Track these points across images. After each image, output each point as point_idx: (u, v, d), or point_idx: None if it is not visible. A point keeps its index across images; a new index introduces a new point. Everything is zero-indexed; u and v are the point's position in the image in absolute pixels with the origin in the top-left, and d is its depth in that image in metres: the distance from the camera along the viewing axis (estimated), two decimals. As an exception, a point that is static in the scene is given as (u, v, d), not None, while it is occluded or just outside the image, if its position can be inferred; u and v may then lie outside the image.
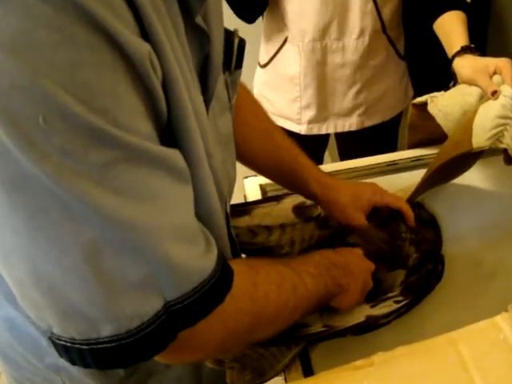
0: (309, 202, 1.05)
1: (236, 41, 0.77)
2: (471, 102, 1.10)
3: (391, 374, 0.55)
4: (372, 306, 0.90)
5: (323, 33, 1.44)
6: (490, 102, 1.03)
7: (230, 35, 0.76)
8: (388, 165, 1.32)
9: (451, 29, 1.29)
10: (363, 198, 1.00)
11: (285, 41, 1.52)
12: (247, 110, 0.95)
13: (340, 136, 1.76)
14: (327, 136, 1.74)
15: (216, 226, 0.67)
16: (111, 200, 0.47)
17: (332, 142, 1.91)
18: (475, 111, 1.03)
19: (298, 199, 1.07)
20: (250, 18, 1.47)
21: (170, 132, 0.54)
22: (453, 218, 1.13)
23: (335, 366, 0.85)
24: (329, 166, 1.34)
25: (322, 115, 1.59)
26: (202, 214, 0.61)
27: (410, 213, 1.02)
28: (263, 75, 1.66)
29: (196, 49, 0.61)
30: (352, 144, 1.77)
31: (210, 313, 0.57)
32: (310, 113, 1.58)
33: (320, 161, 1.88)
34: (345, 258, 0.86)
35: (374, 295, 0.92)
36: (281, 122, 1.64)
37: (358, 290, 0.85)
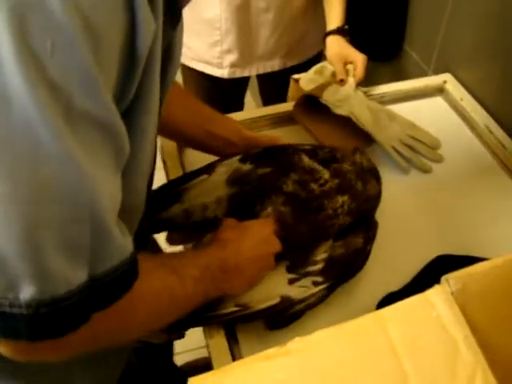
0: (244, 168, 0.92)
1: None
2: (327, 77, 1.26)
3: (310, 365, 0.45)
4: (290, 282, 0.81)
5: None
6: (335, 86, 1.21)
7: None
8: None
9: (333, 5, 1.32)
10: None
11: (201, -20, 1.35)
12: None
13: (262, 78, 1.63)
14: (248, 78, 1.61)
15: (137, 211, 0.68)
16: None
17: (255, 85, 1.79)
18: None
19: (230, 168, 0.92)
20: None
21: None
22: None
23: (258, 329, 0.81)
24: (244, 114, 1.26)
25: (244, 59, 1.45)
26: (134, 198, 0.62)
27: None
28: (177, 18, 1.47)
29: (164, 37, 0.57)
30: (274, 85, 1.64)
31: (121, 297, 0.54)
32: (232, 57, 1.44)
33: (241, 104, 1.76)
34: (237, 253, 0.79)
35: (295, 265, 0.83)
36: (201, 67, 1.49)
37: (244, 283, 0.80)
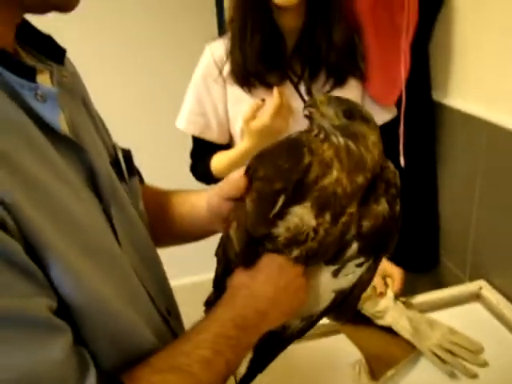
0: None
1: (119, 152, 0.79)
2: (367, 291, 1.22)
3: None
4: (335, 275, 0.75)
5: None
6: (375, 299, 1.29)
7: (113, 149, 0.79)
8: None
9: None
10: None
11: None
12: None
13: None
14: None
15: (141, 329, 0.65)
16: None
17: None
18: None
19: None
20: (207, 180, 1.50)
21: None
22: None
23: None
24: None
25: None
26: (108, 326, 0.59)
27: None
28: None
29: (76, 163, 0.63)
30: None
31: None
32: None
33: None
34: (254, 297, 0.70)
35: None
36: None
37: (279, 318, 0.73)
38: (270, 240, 0.70)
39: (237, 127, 1.40)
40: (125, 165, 0.81)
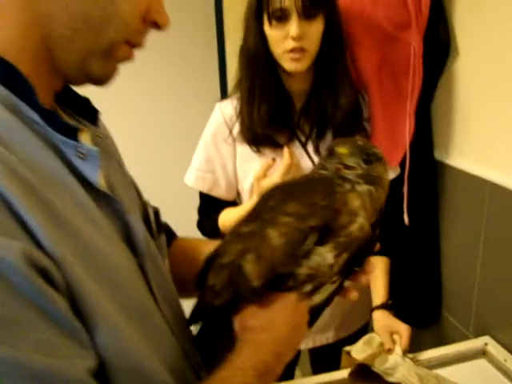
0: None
1: (150, 210, 0.82)
2: (375, 348, 1.37)
3: None
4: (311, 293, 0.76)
5: None
6: (384, 355, 1.33)
7: (144, 207, 0.82)
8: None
9: (377, 281, 1.47)
10: None
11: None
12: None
13: (314, 349, 1.72)
14: (299, 351, 1.69)
15: None
16: None
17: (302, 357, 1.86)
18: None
19: None
20: (215, 236, 1.50)
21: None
22: None
23: None
24: (303, 381, 1.34)
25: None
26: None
27: None
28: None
29: (113, 218, 0.66)
30: (326, 356, 1.71)
31: None
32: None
33: (291, 375, 1.80)
34: (273, 342, 0.69)
35: None
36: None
37: (289, 357, 0.72)
38: (292, 278, 0.71)
39: (245, 185, 1.43)
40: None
